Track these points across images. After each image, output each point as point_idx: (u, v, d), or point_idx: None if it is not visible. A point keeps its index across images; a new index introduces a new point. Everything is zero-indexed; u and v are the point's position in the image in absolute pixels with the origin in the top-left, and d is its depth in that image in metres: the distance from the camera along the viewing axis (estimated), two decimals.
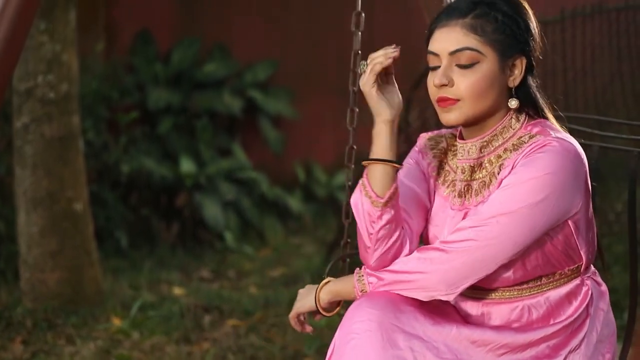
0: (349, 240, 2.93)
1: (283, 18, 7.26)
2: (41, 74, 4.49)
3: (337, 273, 2.74)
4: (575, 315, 2.26)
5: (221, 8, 7.03)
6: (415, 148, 2.43)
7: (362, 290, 2.26)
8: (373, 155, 2.26)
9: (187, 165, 6.29)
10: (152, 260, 5.77)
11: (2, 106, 4.98)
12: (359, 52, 2.85)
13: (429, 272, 2.19)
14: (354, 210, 2.28)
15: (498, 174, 2.22)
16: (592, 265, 2.36)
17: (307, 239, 6.49)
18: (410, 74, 5.78)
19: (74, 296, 4.59)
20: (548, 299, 2.26)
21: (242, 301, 4.97)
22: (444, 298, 2.20)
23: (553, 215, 2.16)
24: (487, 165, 2.26)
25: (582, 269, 2.30)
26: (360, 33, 2.84)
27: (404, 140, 6.07)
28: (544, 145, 2.16)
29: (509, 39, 2.21)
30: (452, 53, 2.20)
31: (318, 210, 6.99)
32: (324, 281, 2.37)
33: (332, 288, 2.35)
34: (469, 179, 2.28)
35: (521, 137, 2.23)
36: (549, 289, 2.26)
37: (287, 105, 6.99)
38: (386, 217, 2.23)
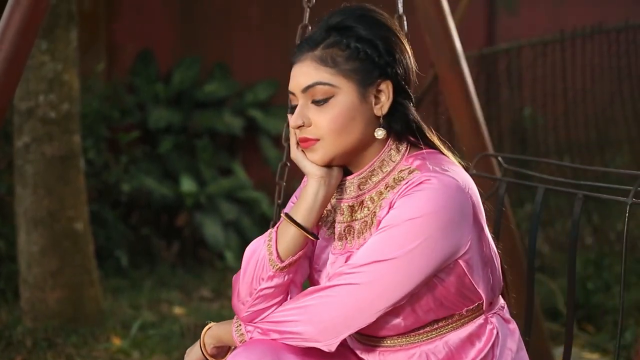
0: None
1: (283, 38, 7.27)
2: (42, 93, 4.50)
3: None
4: (479, 358, 2.06)
5: (222, 28, 7.05)
6: (301, 185, 2.23)
7: (241, 341, 2.10)
8: (295, 212, 2.07)
9: (187, 185, 6.29)
10: (152, 279, 5.77)
11: (3, 125, 4.99)
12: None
13: (306, 323, 2.02)
14: (246, 256, 2.12)
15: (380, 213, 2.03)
16: (501, 298, 2.17)
17: None
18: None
19: (74, 315, 4.58)
20: (447, 343, 2.07)
21: None
22: (324, 349, 2.01)
23: (437, 258, 1.96)
24: (368, 203, 2.07)
25: (484, 307, 2.09)
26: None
27: None
28: (420, 183, 1.96)
29: (365, 65, 2.01)
30: (305, 90, 2.03)
31: None
32: (207, 326, 2.19)
33: (214, 333, 2.17)
34: (349, 219, 2.10)
35: (401, 171, 2.04)
36: (448, 332, 2.08)
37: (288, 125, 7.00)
38: (277, 281, 2.08)
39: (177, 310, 5.20)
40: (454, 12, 3.43)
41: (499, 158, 2.95)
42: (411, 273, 1.97)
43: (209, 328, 2.20)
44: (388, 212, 2.01)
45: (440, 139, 2.12)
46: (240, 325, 2.12)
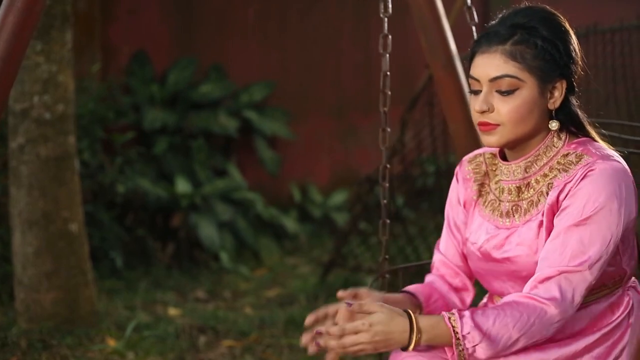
0: (387, 257, 2.94)
1: (279, 39, 7.28)
2: (37, 94, 4.50)
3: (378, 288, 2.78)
4: (616, 323, 2.29)
5: (217, 29, 7.05)
6: (456, 178, 2.48)
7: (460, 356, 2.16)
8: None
9: (182, 186, 6.29)
10: (147, 280, 5.76)
11: None
12: (388, 73, 2.95)
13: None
14: None
15: (547, 193, 2.26)
16: (633, 276, 2.39)
17: (302, 260, 6.49)
18: (406, 96, 5.80)
19: (69, 316, 4.58)
20: (591, 311, 2.28)
21: (238, 322, 4.96)
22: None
23: (618, 234, 2.20)
24: (534, 184, 2.30)
25: (624, 280, 2.32)
26: (388, 55, 2.95)
27: (399, 161, 6.09)
28: (593, 168, 2.20)
29: (548, 64, 2.24)
30: (492, 80, 2.24)
31: (313, 230, 6.99)
32: (413, 316, 2.15)
33: (429, 335, 2.15)
34: (516, 199, 2.32)
35: (566, 155, 2.27)
36: (592, 302, 2.29)
37: (283, 126, 7.00)
38: None
39: (172, 311, 5.20)
40: (449, 13, 3.42)
41: None
42: (609, 249, 2.20)
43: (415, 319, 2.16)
44: (559, 193, 2.22)
45: (595, 130, 2.34)
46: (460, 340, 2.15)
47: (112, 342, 4.50)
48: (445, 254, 2.49)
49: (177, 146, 6.54)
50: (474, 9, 3.01)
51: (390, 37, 2.98)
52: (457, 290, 2.50)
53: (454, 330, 2.13)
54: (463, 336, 2.13)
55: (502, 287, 2.34)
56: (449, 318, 2.14)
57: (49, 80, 4.51)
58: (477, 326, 2.13)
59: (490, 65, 2.24)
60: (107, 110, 6.14)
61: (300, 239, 6.85)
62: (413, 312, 2.15)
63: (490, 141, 2.27)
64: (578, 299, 2.19)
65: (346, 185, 7.16)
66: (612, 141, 2.39)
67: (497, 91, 2.24)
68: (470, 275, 2.49)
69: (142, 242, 6.12)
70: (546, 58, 2.23)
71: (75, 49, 4.83)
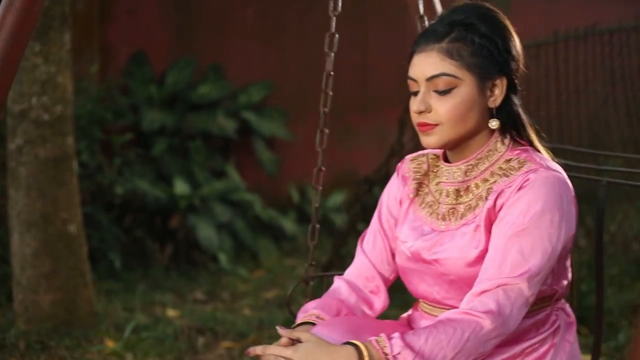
0: (313, 262, 2.84)
1: (277, 40, 7.28)
2: (35, 95, 4.49)
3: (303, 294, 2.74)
4: (539, 339, 2.22)
5: (216, 30, 7.05)
6: (396, 174, 2.42)
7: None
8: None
9: (181, 187, 6.29)
10: (146, 281, 5.76)
11: None
12: (332, 73, 2.91)
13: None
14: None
15: (486, 198, 2.19)
16: (563, 298, 2.32)
17: (301, 261, 6.48)
18: (405, 96, 5.80)
19: (68, 318, 4.58)
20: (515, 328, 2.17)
21: (236, 323, 4.96)
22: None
23: (559, 249, 2.13)
24: (473, 188, 2.23)
25: (553, 300, 2.26)
26: (333, 54, 2.91)
27: (397, 162, 6.09)
28: (535, 176, 2.13)
29: (487, 61, 2.18)
30: (429, 79, 2.18)
31: None
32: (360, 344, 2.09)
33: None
34: (454, 202, 2.25)
35: (509, 160, 2.20)
36: None
37: (282, 127, 7.00)
38: None
39: (171, 312, 5.20)
40: None
41: None
42: (550, 263, 2.13)
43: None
44: (498, 197, 2.16)
45: (538, 137, 2.27)
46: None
47: (110, 344, 4.50)
48: (369, 253, 2.42)
49: (175, 147, 6.54)
50: (426, 18, 2.92)
51: (337, 36, 2.93)
52: (366, 298, 2.40)
53: (383, 352, 2.04)
54: (394, 357, 2.03)
55: (427, 290, 2.27)
56: (377, 341, 2.05)
57: (48, 81, 4.51)
58: (408, 346, 2.04)
59: (427, 64, 2.18)
60: (106, 111, 6.14)
61: (299, 240, 6.85)
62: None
63: (429, 142, 2.21)
64: (516, 313, 2.10)
65: (344, 186, 7.17)
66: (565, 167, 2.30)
67: (434, 91, 2.18)
68: (386, 280, 2.41)
69: (140, 244, 6.11)
70: (484, 54, 2.17)
71: (73, 50, 4.83)
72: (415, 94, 2.22)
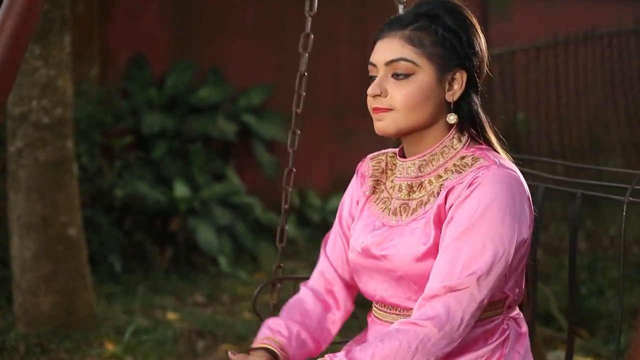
0: (281, 265, 2.84)
1: (277, 43, 7.28)
2: (35, 98, 4.50)
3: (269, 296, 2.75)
4: (488, 350, 2.17)
5: (216, 33, 7.05)
6: (356, 173, 2.40)
7: None
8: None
9: (181, 190, 6.29)
10: (145, 284, 5.76)
11: None
12: (305, 74, 2.91)
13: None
14: None
15: (438, 194, 2.16)
16: (516, 307, 2.27)
17: (300, 264, 6.48)
18: None
19: (68, 321, 4.58)
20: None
21: (236, 326, 4.96)
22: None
23: (515, 242, 2.09)
24: (427, 185, 2.20)
25: (504, 307, 2.20)
26: (307, 54, 2.92)
27: None
28: (487, 173, 2.11)
29: (448, 53, 2.16)
30: (388, 63, 2.17)
31: (312, 234, 6.99)
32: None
33: None
34: (406, 197, 2.22)
35: (463, 157, 2.17)
36: None
37: (281, 130, 7.00)
38: None
39: (171, 315, 5.19)
40: None
41: None
42: (501, 264, 2.08)
43: None
44: (448, 194, 2.13)
45: (496, 136, 2.24)
46: None
47: (110, 347, 4.49)
48: (330, 256, 2.39)
49: (175, 150, 6.54)
50: (311, 36, 2.94)
51: (312, 36, 2.94)
52: (329, 305, 2.40)
53: None
54: None
55: (375, 288, 2.24)
56: None
57: (48, 85, 4.51)
58: None
59: (388, 49, 2.18)
60: (106, 114, 6.14)
61: (299, 243, 6.85)
62: None
63: (380, 126, 2.19)
64: (468, 319, 2.06)
65: (344, 189, 7.16)
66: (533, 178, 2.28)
67: (392, 75, 2.17)
68: (347, 283, 2.38)
69: (140, 247, 6.11)
70: (446, 46, 2.15)
71: (73, 53, 4.83)
72: (373, 78, 2.21)
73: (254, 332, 5.01)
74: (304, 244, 6.86)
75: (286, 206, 2.85)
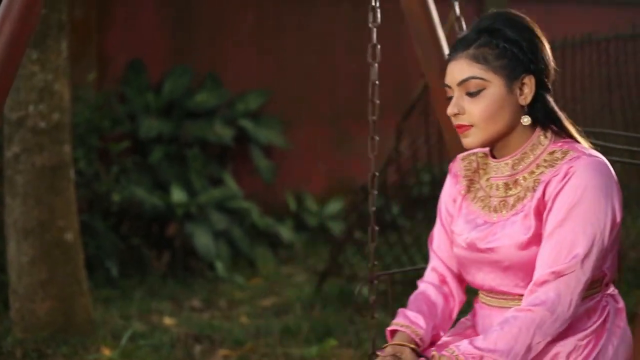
0: (375, 262, 2.94)
1: (275, 48, 7.28)
2: (33, 103, 4.50)
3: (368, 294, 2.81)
4: (593, 328, 2.34)
5: (213, 38, 7.06)
6: (450, 173, 2.58)
7: None
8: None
9: (178, 195, 6.29)
10: (142, 289, 5.75)
11: None
12: (376, 82, 3.02)
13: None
14: None
15: (534, 189, 2.34)
16: (612, 283, 2.44)
17: (298, 268, 6.48)
18: (402, 105, 5.81)
19: (65, 326, 4.57)
20: None
21: (233, 331, 4.96)
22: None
23: (609, 223, 2.28)
24: (521, 181, 2.38)
25: (602, 285, 2.39)
26: (377, 65, 3.02)
27: (395, 170, 6.09)
28: (579, 163, 2.29)
29: (512, 62, 2.34)
30: (460, 83, 2.36)
31: (309, 239, 6.99)
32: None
33: None
34: (504, 195, 2.41)
35: (552, 152, 2.36)
36: None
37: (279, 135, 7.00)
38: None
39: (168, 320, 5.19)
40: (444, 22, 3.43)
41: None
42: (599, 245, 2.29)
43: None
44: (546, 187, 2.31)
45: (576, 129, 2.42)
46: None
47: (107, 352, 4.49)
48: (437, 250, 2.58)
49: (172, 155, 6.54)
50: (462, 19, 3.09)
51: (379, 46, 3.04)
52: (447, 296, 2.57)
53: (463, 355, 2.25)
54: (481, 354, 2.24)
55: (484, 278, 2.42)
56: (452, 352, 2.26)
57: (45, 89, 4.51)
58: (478, 348, 2.24)
59: (457, 70, 2.36)
60: (103, 119, 6.14)
61: (296, 247, 6.84)
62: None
63: (467, 142, 2.39)
64: (576, 299, 2.26)
65: (342, 194, 7.16)
66: (607, 150, 2.45)
67: (466, 94, 2.35)
68: (455, 274, 2.56)
69: (137, 251, 6.11)
70: (508, 56, 2.34)
71: (71, 58, 4.83)
72: (450, 99, 2.39)
73: (251, 336, 5.03)
74: (301, 248, 6.86)
75: (373, 208, 2.98)
